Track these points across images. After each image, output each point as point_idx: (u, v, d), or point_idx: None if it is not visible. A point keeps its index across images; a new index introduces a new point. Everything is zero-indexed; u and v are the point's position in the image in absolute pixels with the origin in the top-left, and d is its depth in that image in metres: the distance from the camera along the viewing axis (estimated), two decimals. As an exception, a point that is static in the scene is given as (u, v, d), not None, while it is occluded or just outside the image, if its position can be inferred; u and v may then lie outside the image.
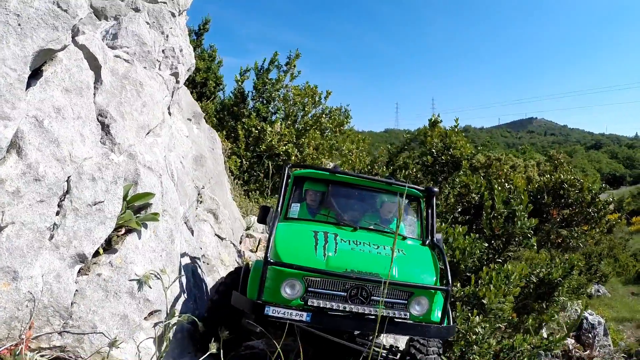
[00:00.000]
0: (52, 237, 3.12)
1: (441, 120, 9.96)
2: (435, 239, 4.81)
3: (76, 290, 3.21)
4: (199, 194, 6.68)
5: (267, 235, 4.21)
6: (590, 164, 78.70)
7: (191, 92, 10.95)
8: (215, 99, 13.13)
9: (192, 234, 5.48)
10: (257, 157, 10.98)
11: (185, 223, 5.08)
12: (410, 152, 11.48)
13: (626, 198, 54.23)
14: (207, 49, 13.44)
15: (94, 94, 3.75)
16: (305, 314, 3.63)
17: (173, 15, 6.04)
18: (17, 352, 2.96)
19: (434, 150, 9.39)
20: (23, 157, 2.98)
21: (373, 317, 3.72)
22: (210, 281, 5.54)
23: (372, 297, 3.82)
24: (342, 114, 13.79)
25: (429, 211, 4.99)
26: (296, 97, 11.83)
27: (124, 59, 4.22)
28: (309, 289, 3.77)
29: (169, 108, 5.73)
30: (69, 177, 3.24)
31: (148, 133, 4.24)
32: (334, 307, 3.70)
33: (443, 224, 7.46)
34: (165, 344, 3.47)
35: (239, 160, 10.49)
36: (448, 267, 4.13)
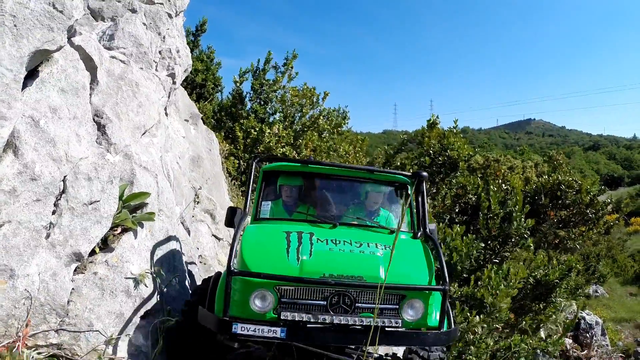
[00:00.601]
0: (48, 235, 3.15)
1: (440, 122, 10.00)
2: (428, 229, 4.26)
3: (72, 289, 3.24)
4: (196, 195, 6.70)
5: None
6: (588, 165, 78.91)
7: (189, 94, 11.00)
8: (214, 100, 13.17)
9: (189, 234, 5.50)
10: (255, 158, 11.01)
11: (181, 223, 5.10)
12: (408, 153, 11.52)
13: (624, 199, 54.41)
14: (205, 50, 13.49)
15: (90, 95, 3.78)
16: (279, 329, 3.19)
17: (170, 16, 6.06)
18: (14, 349, 2.99)
19: (431, 152, 9.42)
20: (19, 156, 3.01)
21: (359, 327, 3.27)
22: (207, 281, 5.57)
23: (356, 304, 3.32)
24: (339, 114, 13.84)
25: (419, 199, 4.43)
26: (294, 98, 11.86)
27: (120, 60, 4.25)
28: (282, 299, 3.29)
29: (165, 109, 5.75)
30: (65, 177, 3.27)
31: (144, 133, 4.26)
32: (312, 320, 3.24)
33: (441, 224, 7.49)
34: (160, 343, 3.50)
35: (237, 162, 10.51)
36: (444, 262, 3.65)
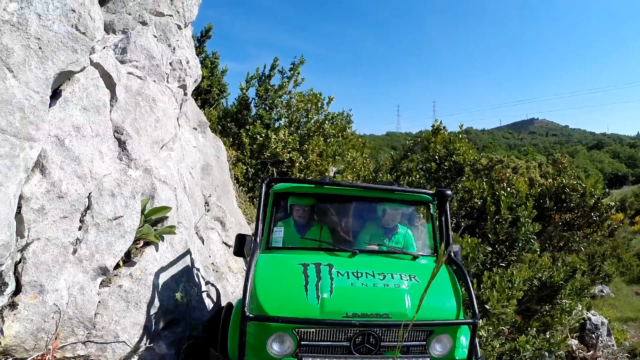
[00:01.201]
0: (75, 251, 3.28)
1: (444, 127, 10.12)
2: (452, 252, 3.97)
3: (99, 302, 3.38)
4: (206, 203, 6.84)
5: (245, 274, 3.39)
6: (592, 164, 78.90)
7: (195, 100, 11.13)
8: (219, 106, 13.30)
9: (203, 243, 5.64)
10: (262, 164, 11.14)
11: (196, 233, 5.24)
12: (414, 158, 11.64)
13: (629, 197, 54.48)
14: (210, 55, 13.61)
15: (110, 111, 3.92)
16: None
17: (179, 27, 6.20)
18: (44, 362, 3.12)
19: (437, 157, 9.55)
20: (47, 175, 3.14)
21: None
22: (220, 288, 5.70)
23: (381, 344, 3.15)
24: (344, 118, 13.96)
25: (443, 219, 4.13)
26: (299, 103, 11.99)
27: (137, 76, 4.39)
28: (302, 342, 3.11)
29: (177, 119, 5.89)
30: (90, 194, 3.40)
31: (162, 147, 4.40)
32: None
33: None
34: (183, 351, 3.64)
35: (244, 168, 10.65)
36: (472, 290, 3.48)
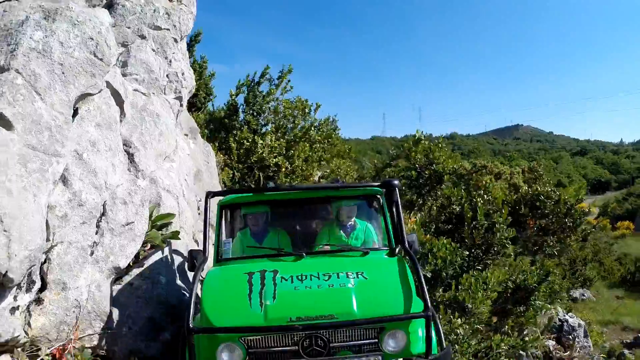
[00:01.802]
0: (92, 253, 3.77)
1: (425, 137, 10.78)
2: (406, 243, 3.99)
3: (113, 298, 3.86)
4: (197, 207, 7.33)
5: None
6: (576, 170, 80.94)
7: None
8: (205, 109, 13.74)
9: (197, 245, 6.13)
10: (248, 168, 11.62)
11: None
12: (397, 165, 12.25)
13: (611, 203, 56.07)
14: (198, 60, 14.06)
15: (119, 126, 4.40)
16: None
17: (175, 40, 6.67)
18: (65, 351, 3.59)
19: (417, 165, 10.20)
20: (69, 186, 3.63)
21: None
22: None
23: (331, 345, 3.18)
24: (330, 124, 14.51)
25: (393, 209, 4.19)
26: (287, 110, 12.51)
27: (142, 92, 4.87)
28: (250, 350, 3.16)
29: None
30: (105, 202, 3.90)
31: (165, 159, 4.90)
32: None
33: (427, 235, 8.21)
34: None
35: (231, 172, 11.12)
36: (423, 280, 3.44)
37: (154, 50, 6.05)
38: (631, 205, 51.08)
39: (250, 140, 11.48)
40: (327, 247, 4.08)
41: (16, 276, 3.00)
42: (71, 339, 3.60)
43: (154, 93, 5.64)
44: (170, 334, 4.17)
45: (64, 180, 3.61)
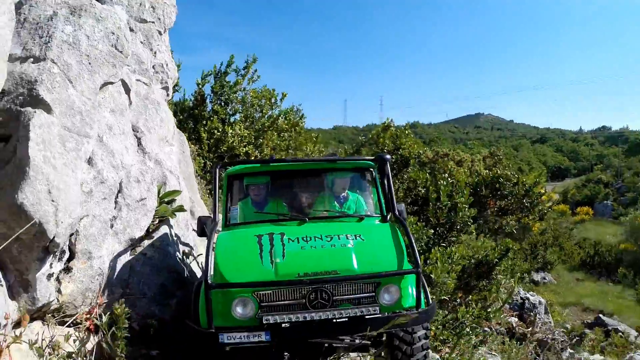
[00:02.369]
0: (112, 226, 4.43)
1: (393, 125, 11.79)
2: (396, 211, 4.60)
3: (130, 267, 4.53)
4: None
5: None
6: (536, 157, 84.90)
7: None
8: (171, 100, 14.21)
9: (193, 219, 6.77)
10: (219, 157, 12.25)
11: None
12: (365, 152, 13.20)
13: (571, 189, 59.34)
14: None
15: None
16: (263, 333, 3.51)
17: (160, 33, 7.27)
18: (92, 315, 4.23)
19: (385, 150, 11.17)
20: (93, 165, 4.26)
21: (339, 320, 3.61)
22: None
23: (334, 298, 3.68)
24: (295, 113, 15.28)
25: (385, 181, 4.76)
26: (254, 99, 13.18)
27: (144, 82, 5.50)
28: (262, 303, 3.63)
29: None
30: (121, 180, 4.54)
31: (166, 143, 5.55)
32: (293, 320, 3.56)
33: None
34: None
35: (202, 161, 11.72)
36: (414, 242, 4.01)
37: (142, 42, 6.65)
38: (590, 192, 54.19)
39: (220, 130, 12.10)
40: (326, 213, 4.69)
41: (61, 242, 3.65)
42: (97, 303, 4.25)
43: (146, 84, 6.26)
44: (178, 299, 4.87)
45: (89, 159, 4.25)
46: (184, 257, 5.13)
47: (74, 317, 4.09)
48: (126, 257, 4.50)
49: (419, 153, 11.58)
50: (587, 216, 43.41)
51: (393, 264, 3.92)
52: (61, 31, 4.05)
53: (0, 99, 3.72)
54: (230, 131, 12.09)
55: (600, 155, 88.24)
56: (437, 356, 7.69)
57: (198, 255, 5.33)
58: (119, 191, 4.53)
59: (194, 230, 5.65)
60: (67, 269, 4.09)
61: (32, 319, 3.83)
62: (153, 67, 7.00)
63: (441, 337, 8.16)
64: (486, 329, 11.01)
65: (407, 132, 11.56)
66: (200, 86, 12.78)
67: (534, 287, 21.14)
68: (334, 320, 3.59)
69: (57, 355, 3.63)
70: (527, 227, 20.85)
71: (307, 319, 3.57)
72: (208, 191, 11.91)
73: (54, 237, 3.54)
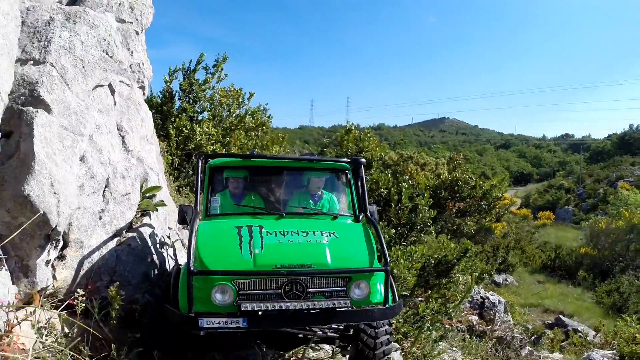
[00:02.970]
0: (100, 217, 4.93)
1: (355, 128, 12.57)
2: (368, 212, 4.97)
3: (116, 256, 5.03)
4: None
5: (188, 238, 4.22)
6: (499, 162, 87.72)
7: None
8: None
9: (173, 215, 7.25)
10: (186, 155, 12.71)
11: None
12: (329, 153, 13.91)
13: (533, 194, 61.64)
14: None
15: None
16: (241, 319, 3.78)
17: (137, 33, 7.72)
18: (82, 300, 4.71)
19: (349, 153, 11.91)
20: (85, 161, 4.76)
21: (312, 311, 3.90)
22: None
23: (308, 290, 3.98)
24: (261, 112, 15.83)
25: (359, 183, 5.11)
26: (222, 98, 13.68)
27: (126, 84, 5.98)
28: (241, 292, 3.92)
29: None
30: (108, 176, 5.05)
31: (146, 141, 6.06)
32: (269, 308, 3.82)
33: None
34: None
35: (170, 158, 12.16)
36: (384, 242, 4.36)
37: (121, 42, 7.11)
38: (552, 197, 56.01)
39: (188, 127, 12.55)
40: (301, 210, 5.09)
41: (62, 230, 4.16)
42: (89, 289, 4.74)
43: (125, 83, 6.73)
44: (159, 286, 5.40)
45: (81, 156, 4.75)
46: (163, 248, 5.66)
47: (67, 302, 4.57)
48: (113, 247, 5.00)
49: (381, 155, 12.35)
50: (549, 221, 45.11)
51: (364, 261, 4.28)
52: (59, 36, 4.54)
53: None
54: (199, 129, 12.56)
55: (563, 162, 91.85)
56: (399, 349, 8.34)
57: (175, 241, 5.85)
58: (106, 186, 5.03)
59: (170, 225, 6.19)
60: (60, 257, 4.58)
61: (28, 303, 4.31)
62: (130, 66, 7.46)
63: (402, 330, 8.86)
64: (447, 326, 11.83)
65: (369, 135, 12.34)
66: (168, 83, 13.18)
67: (495, 288, 22.14)
68: (307, 311, 3.90)
69: (55, 335, 4.12)
70: (490, 229, 21.94)
71: (283, 308, 3.86)
72: (176, 188, 12.36)
73: (56, 226, 4.05)
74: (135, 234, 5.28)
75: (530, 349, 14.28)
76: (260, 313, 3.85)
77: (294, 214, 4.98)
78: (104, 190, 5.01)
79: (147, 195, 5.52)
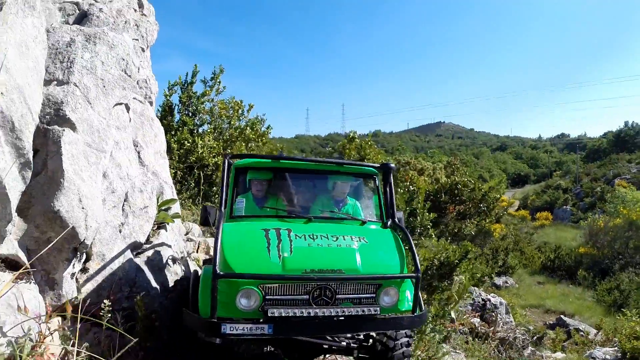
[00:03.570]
0: (120, 231, 5.19)
1: (357, 137, 12.98)
2: (396, 218, 4.88)
3: (136, 267, 5.29)
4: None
5: (213, 240, 4.12)
6: (496, 164, 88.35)
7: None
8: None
9: (187, 227, 7.53)
10: (188, 167, 12.99)
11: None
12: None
13: (530, 196, 62.06)
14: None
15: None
16: (266, 326, 3.64)
17: (143, 50, 8.02)
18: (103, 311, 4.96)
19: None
20: (106, 177, 5.03)
21: (341, 317, 3.80)
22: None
23: (337, 296, 3.88)
24: (260, 122, 16.13)
25: (387, 189, 5.01)
26: (222, 110, 13.99)
27: (139, 100, 6.26)
28: (267, 296, 3.78)
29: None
30: (127, 190, 5.31)
31: (160, 156, 6.34)
32: (297, 314, 3.70)
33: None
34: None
35: (173, 171, 12.44)
36: (415, 249, 4.29)
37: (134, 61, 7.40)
38: (549, 197, 56.36)
39: (190, 141, 12.84)
40: (328, 214, 4.91)
41: (89, 243, 4.42)
42: (111, 299, 4.99)
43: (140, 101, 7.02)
44: (177, 295, 5.66)
45: (103, 172, 5.01)
46: (179, 258, 5.92)
47: (91, 312, 4.82)
48: (132, 259, 5.26)
49: (382, 162, 12.82)
50: (547, 221, 45.39)
51: (395, 268, 4.19)
52: (81, 57, 4.82)
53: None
54: (200, 142, 12.85)
55: (559, 162, 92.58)
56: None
57: (190, 253, 6.13)
58: (125, 200, 5.30)
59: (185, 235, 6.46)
60: (83, 269, 4.84)
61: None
62: (137, 82, 7.76)
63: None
64: (449, 329, 12.08)
65: (369, 143, 12.74)
66: (168, 97, 13.48)
67: (495, 290, 22.39)
68: (336, 318, 3.82)
69: (81, 345, 4.36)
70: (489, 232, 22.20)
71: (311, 315, 3.74)
72: (181, 201, 12.63)
73: (84, 239, 4.31)
74: (153, 246, 5.54)
75: (532, 349, 14.52)
76: (287, 319, 3.74)
77: (322, 217, 4.86)
78: (123, 204, 5.28)
79: (163, 208, 5.78)
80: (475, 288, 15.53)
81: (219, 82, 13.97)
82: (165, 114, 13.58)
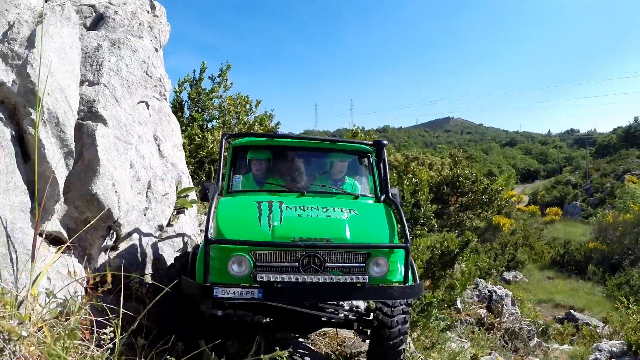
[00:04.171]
0: (145, 214, 5.87)
1: (361, 131, 13.55)
2: (390, 193, 5.03)
3: (158, 248, 5.96)
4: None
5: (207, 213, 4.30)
6: (505, 160, 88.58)
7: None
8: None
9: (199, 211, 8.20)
10: (199, 162, 13.67)
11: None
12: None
13: (540, 191, 62.37)
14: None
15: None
16: (256, 290, 3.83)
17: (156, 50, 8.69)
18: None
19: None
20: (132, 166, 5.71)
21: (329, 284, 3.94)
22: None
23: (326, 264, 4.02)
24: (269, 119, 16.78)
25: (380, 165, 5.20)
26: (230, 106, 14.65)
27: (156, 98, 6.94)
28: (257, 263, 3.98)
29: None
30: (150, 179, 5.99)
31: (177, 149, 7.02)
32: (286, 280, 3.88)
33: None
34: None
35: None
36: (405, 222, 4.39)
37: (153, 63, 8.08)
38: (559, 193, 56.73)
39: (200, 136, 13.52)
40: (323, 189, 5.23)
41: (122, 222, 5.10)
42: (139, 275, 5.66)
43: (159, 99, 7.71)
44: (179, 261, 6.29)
45: (130, 162, 5.69)
46: (196, 240, 6.60)
47: (120, 286, 5.50)
48: (155, 240, 5.93)
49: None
50: (557, 217, 45.72)
51: (384, 238, 4.34)
52: (108, 60, 5.51)
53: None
54: (210, 137, 13.52)
55: (569, 158, 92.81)
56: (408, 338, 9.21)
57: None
58: (148, 187, 5.98)
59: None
60: (114, 247, 5.51)
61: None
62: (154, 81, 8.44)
63: (412, 320, 9.75)
64: (455, 319, 12.69)
65: (373, 137, 13.31)
66: (178, 93, 14.16)
67: (505, 285, 22.90)
68: (324, 285, 3.97)
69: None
70: (498, 227, 22.71)
71: (299, 281, 3.92)
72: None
73: (117, 218, 5.00)
74: (173, 229, 6.22)
75: (538, 340, 15.05)
76: (276, 285, 3.92)
77: (316, 192, 5.13)
78: (147, 191, 5.96)
79: (182, 195, 6.46)
80: (482, 280, 16.12)
81: (226, 78, 14.61)
82: (175, 110, 14.25)
